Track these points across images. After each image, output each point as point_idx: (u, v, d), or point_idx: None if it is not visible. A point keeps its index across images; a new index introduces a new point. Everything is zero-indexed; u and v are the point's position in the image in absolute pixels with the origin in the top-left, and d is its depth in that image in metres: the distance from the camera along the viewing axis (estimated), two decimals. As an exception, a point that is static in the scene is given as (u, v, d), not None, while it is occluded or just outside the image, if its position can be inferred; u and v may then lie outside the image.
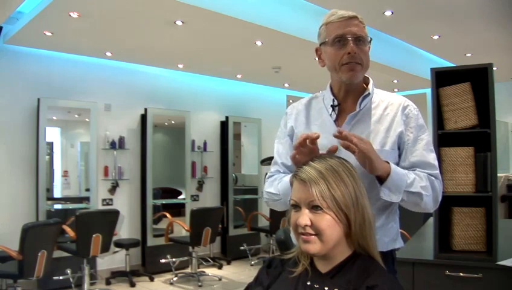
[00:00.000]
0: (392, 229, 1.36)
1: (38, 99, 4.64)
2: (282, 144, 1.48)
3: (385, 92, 1.42)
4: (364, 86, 1.40)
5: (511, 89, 6.79)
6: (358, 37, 1.30)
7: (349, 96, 1.37)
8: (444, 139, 2.16)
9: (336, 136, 1.17)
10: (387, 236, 1.33)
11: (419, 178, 1.28)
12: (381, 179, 1.23)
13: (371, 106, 1.36)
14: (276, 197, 1.39)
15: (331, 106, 1.37)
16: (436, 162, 1.34)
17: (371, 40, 1.35)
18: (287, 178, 1.32)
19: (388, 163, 1.22)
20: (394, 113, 1.35)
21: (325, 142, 1.31)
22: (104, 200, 5.22)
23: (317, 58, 1.43)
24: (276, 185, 1.39)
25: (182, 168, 5.86)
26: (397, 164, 1.32)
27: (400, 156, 1.35)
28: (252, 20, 3.80)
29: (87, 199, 5.05)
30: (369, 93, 1.36)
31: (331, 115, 1.37)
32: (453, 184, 2.11)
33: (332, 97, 1.38)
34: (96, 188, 5.08)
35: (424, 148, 1.33)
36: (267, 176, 1.50)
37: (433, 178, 1.31)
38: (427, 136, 1.35)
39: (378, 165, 1.18)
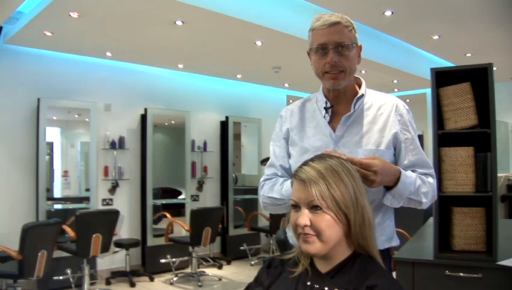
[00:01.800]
0: (388, 227, 1.38)
1: (38, 99, 4.64)
2: (278, 146, 1.49)
3: (377, 92, 1.44)
4: (357, 86, 1.41)
5: (511, 89, 6.79)
6: (339, 44, 1.30)
7: (342, 98, 1.39)
8: (444, 139, 2.16)
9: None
10: (383, 234, 1.35)
11: (423, 183, 1.32)
12: (387, 187, 1.26)
13: (363, 106, 1.38)
14: (279, 202, 1.38)
15: (324, 108, 1.39)
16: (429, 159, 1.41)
17: (355, 45, 1.34)
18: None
19: (400, 172, 1.26)
20: (388, 113, 1.37)
21: (319, 144, 1.35)
22: (104, 200, 5.22)
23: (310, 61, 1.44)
24: (278, 190, 1.39)
25: (182, 168, 5.86)
26: (394, 163, 1.35)
27: (395, 155, 1.37)
28: (252, 20, 3.79)
29: (87, 199, 5.05)
30: (362, 95, 1.38)
31: (324, 117, 1.39)
32: (453, 184, 2.11)
33: (325, 99, 1.40)
34: (96, 188, 5.08)
35: (420, 148, 1.37)
36: (262, 179, 1.49)
37: (432, 180, 1.36)
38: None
39: (380, 184, 1.21)
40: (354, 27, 1.35)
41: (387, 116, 1.36)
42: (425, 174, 1.36)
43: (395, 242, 1.40)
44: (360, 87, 1.41)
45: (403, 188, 1.26)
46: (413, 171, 1.34)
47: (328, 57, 1.30)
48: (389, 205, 1.29)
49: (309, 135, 1.40)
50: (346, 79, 1.34)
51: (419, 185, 1.30)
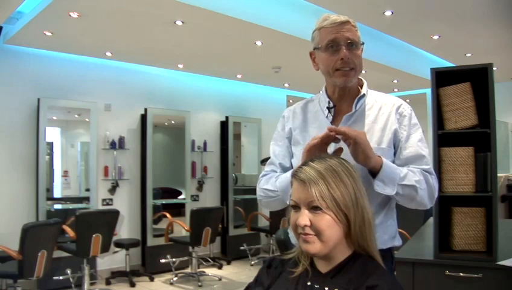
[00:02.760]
0: (391, 227, 1.38)
1: (38, 99, 4.64)
2: (279, 146, 1.50)
3: (379, 93, 1.45)
4: (359, 87, 1.42)
5: (511, 89, 6.79)
6: (351, 41, 1.32)
7: (344, 98, 1.40)
8: (444, 139, 2.16)
9: (331, 134, 1.20)
10: (386, 234, 1.35)
11: (413, 173, 1.30)
12: (374, 172, 1.24)
13: (365, 106, 1.39)
14: (272, 194, 1.39)
15: (327, 108, 1.40)
16: (429, 158, 1.37)
17: (363, 43, 1.37)
18: (288, 174, 1.33)
19: (380, 157, 1.24)
20: (389, 112, 1.38)
21: None
22: (104, 200, 5.22)
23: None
24: (273, 182, 1.40)
25: (182, 168, 5.86)
26: (393, 162, 1.34)
27: (395, 154, 1.37)
28: (252, 20, 3.79)
29: (87, 199, 5.05)
30: (364, 94, 1.39)
31: (327, 117, 1.39)
32: (453, 184, 2.11)
33: (327, 100, 1.41)
34: (96, 188, 5.08)
35: (417, 144, 1.35)
36: (261, 175, 1.50)
37: (426, 173, 1.33)
38: (420, 134, 1.38)
39: (370, 153, 1.20)
40: (358, 29, 1.37)
41: (388, 116, 1.37)
42: (420, 169, 1.33)
43: (398, 242, 1.40)
44: (361, 87, 1.42)
45: (390, 171, 1.24)
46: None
47: (340, 53, 1.31)
48: (382, 191, 1.25)
49: (312, 135, 1.40)
50: (355, 77, 1.36)
51: (408, 172, 1.28)
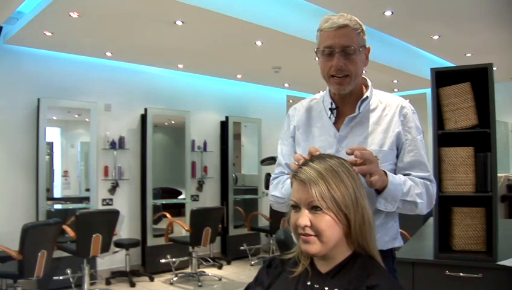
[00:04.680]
0: (392, 228, 1.37)
1: (38, 99, 4.64)
2: (285, 145, 1.49)
3: (384, 93, 1.43)
4: (363, 87, 1.41)
5: (511, 89, 6.79)
6: (346, 48, 1.29)
7: (346, 100, 1.39)
8: (444, 139, 2.16)
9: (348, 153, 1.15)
10: (387, 235, 1.34)
11: (415, 185, 1.29)
12: (378, 190, 1.23)
13: (369, 108, 1.38)
14: (281, 201, 1.40)
15: (330, 109, 1.39)
16: (428, 163, 1.37)
17: (364, 47, 1.35)
18: (289, 180, 1.32)
19: (386, 174, 1.22)
20: (392, 114, 1.36)
21: (323, 144, 1.35)
22: (104, 200, 5.22)
23: (317, 59, 1.43)
24: (280, 189, 1.40)
25: (182, 168, 5.86)
26: (395, 164, 1.34)
27: (397, 156, 1.36)
28: (252, 20, 3.80)
29: (87, 199, 5.05)
30: (367, 97, 1.38)
31: (330, 117, 1.39)
32: (453, 184, 2.11)
33: (330, 100, 1.40)
34: (96, 188, 5.08)
35: (420, 150, 1.35)
36: (271, 178, 1.50)
37: (428, 183, 1.33)
38: (422, 138, 1.37)
39: (377, 183, 1.17)
40: (362, 29, 1.34)
41: (391, 117, 1.36)
42: (421, 178, 1.32)
43: (399, 243, 1.40)
44: (366, 88, 1.40)
45: (394, 188, 1.22)
46: (408, 174, 1.32)
47: (334, 61, 1.30)
48: (383, 209, 1.25)
49: (315, 135, 1.41)
50: (352, 83, 1.33)
51: (411, 185, 1.27)
